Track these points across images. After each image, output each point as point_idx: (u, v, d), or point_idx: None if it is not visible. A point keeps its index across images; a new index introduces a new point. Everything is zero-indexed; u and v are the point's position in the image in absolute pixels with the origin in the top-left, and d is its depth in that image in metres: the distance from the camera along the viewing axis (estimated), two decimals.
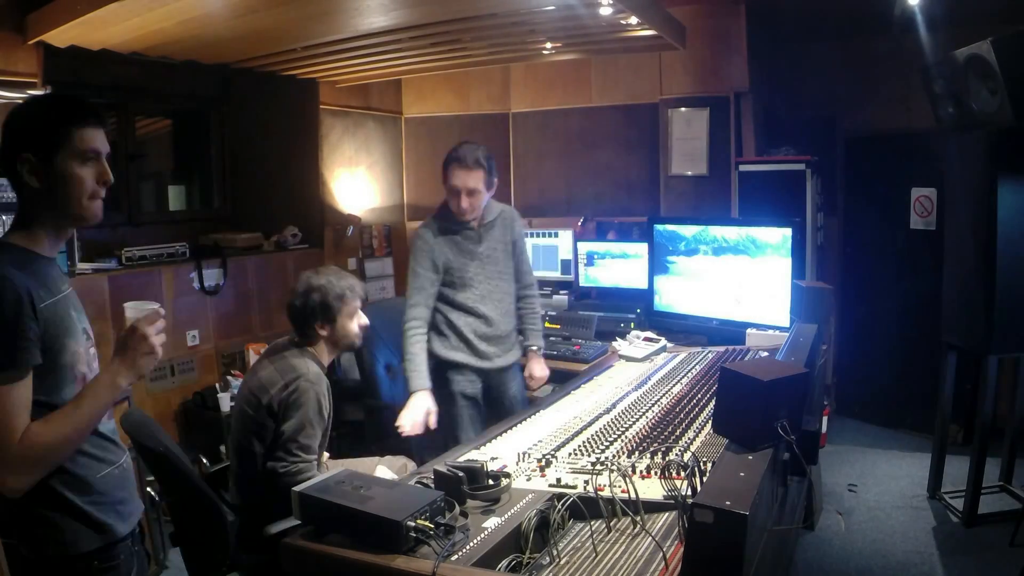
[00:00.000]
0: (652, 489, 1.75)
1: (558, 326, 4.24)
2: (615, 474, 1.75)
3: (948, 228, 3.61)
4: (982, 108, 3.06)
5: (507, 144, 5.22)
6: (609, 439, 2.15)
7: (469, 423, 3.05)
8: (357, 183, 5.01)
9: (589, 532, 1.61)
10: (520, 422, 2.45)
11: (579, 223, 4.77)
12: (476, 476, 1.72)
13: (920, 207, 4.59)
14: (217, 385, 3.90)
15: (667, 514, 1.64)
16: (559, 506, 1.62)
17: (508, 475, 1.78)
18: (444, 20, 3.37)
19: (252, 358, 4.04)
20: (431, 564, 1.38)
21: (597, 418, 2.40)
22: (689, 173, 4.53)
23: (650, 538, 1.53)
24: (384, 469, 2.58)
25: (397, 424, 2.85)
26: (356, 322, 2.50)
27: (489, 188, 3.04)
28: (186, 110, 4.60)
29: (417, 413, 2.86)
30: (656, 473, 1.82)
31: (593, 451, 2.06)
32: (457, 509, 1.57)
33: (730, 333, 3.57)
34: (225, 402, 3.76)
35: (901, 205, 4.72)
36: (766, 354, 2.99)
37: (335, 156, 4.82)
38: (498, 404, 3.15)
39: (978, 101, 3.07)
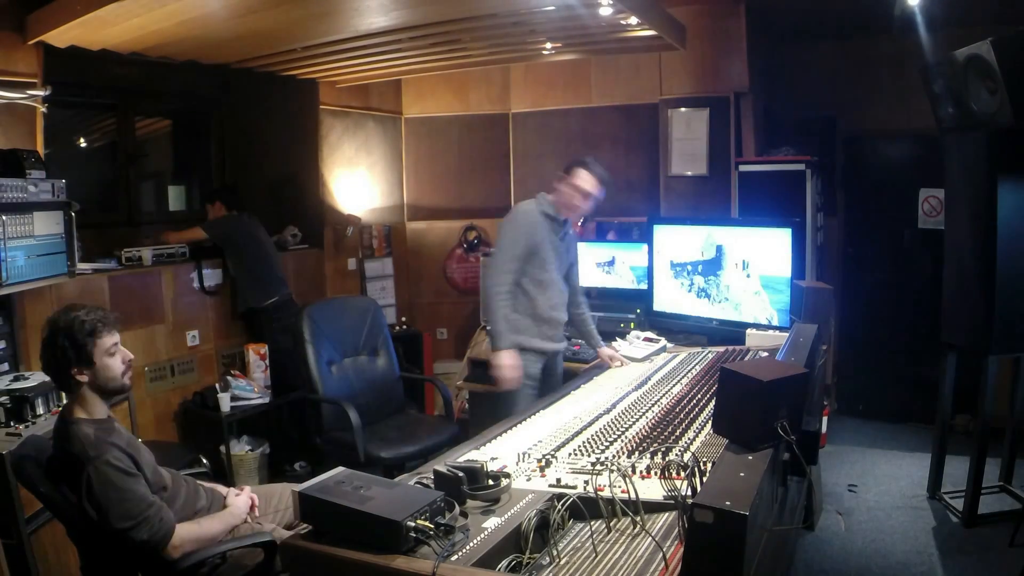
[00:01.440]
0: (652, 489, 1.75)
1: None
2: (615, 474, 1.75)
3: (948, 228, 3.60)
4: (982, 108, 3.06)
5: (507, 144, 5.22)
6: (609, 439, 2.15)
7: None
8: (357, 183, 5.01)
9: (589, 532, 1.61)
10: (520, 422, 2.45)
11: (579, 223, 4.77)
12: (476, 476, 1.72)
13: (928, 207, 4.60)
14: (217, 385, 3.89)
15: (667, 514, 1.64)
16: (559, 506, 1.62)
17: (508, 475, 1.78)
18: (444, 20, 3.37)
19: (252, 358, 4.04)
20: (431, 564, 1.38)
21: (597, 418, 2.40)
22: (689, 173, 4.52)
23: (650, 538, 1.53)
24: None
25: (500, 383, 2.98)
26: (119, 358, 2.08)
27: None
28: (186, 110, 4.60)
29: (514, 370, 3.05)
30: (656, 473, 1.82)
31: (593, 451, 2.06)
32: (457, 509, 1.57)
33: (730, 333, 3.57)
34: (225, 402, 3.76)
35: (903, 205, 4.73)
36: (766, 354, 2.99)
37: (335, 156, 4.82)
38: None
39: (978, 101, 3.07)
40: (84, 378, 2.01)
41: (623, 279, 4.52)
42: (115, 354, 2.06)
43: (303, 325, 3.37)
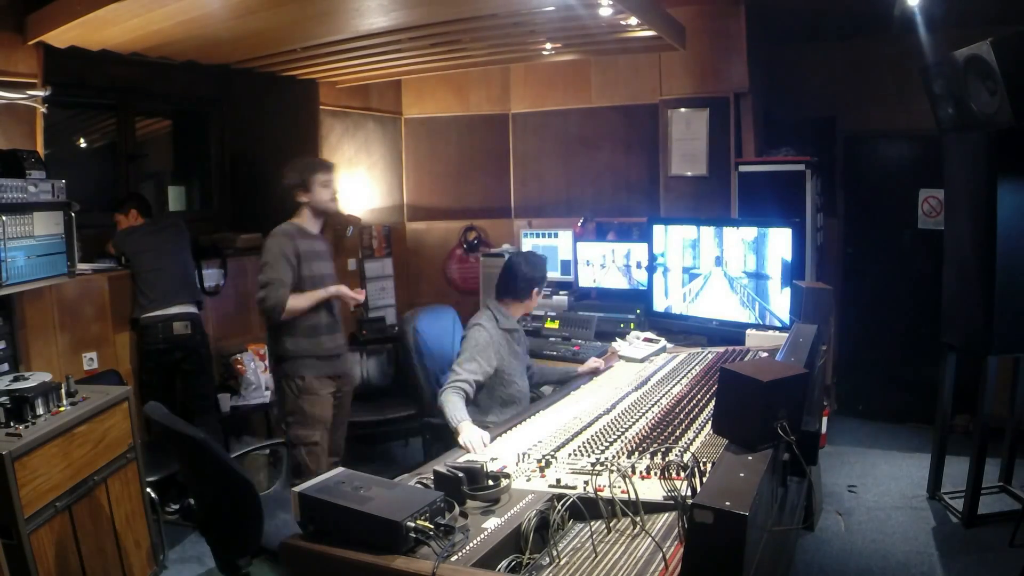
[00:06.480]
0: (652, 489, 1.75)
1: (557, 326, 4.25)
2: (615, 475, 1.75)
3: (948, 228, 3.61)
4: (982, 108, 3.06)
5: (507, 144, 5.22)
6: (609, 440, 2.15)
7: None
8: (357, 183, 5.01)
9: (589, 533, 1.60)
10: (520, 422, 2.45)
11: (579, 223, 4.77)
12: (476, 477, 1.72)
13: (928, 207, 4.60)
14: None
15: (667, 514, 1.64)
16: (559, 507, 1.62)
17: (508, 476, 1.78)
18: (444, 21, 3.37)
19: (251, 358, 4.04)
20: (431, 564, 1.38)
21: (597, 419, 2.40)
22: (689, 173, 4.53)
23: (650, 538, 1.53)
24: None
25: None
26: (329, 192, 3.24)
27: None
28: (186, 110, 4.60)
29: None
30: (656, 473, 1.82)
31: (593, 452, 2.06)
32: (457, 510, 1.57)
33: (730, 333, 3.57)
34: (225, 402, 3.76)
35: (903, 205, 4.72)
36: (766, 354, 2.99)
37: (335, 156, 4.81)
38: None
39: (978, 101, 3.07)
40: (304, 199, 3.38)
41: (622, 279, 4.52)
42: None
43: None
